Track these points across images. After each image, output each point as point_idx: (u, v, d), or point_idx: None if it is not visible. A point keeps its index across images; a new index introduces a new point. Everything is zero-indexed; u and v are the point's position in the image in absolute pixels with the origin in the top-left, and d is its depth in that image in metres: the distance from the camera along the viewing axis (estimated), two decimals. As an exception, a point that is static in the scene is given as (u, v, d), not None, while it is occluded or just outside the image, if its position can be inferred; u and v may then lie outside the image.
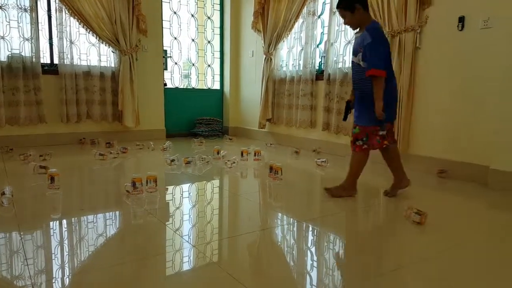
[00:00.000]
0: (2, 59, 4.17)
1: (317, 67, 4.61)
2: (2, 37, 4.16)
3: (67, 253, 1.69)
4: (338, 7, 2.46)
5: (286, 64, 5.03)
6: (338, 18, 4.20)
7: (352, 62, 2.51)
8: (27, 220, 2.07)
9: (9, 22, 4.18)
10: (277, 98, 5.14)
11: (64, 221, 2.10)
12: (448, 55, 3.29)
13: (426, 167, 3.45)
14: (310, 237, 1.99)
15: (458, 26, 3.19)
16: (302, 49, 4.71)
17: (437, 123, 3.39)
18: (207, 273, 1.53)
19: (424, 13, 3.40)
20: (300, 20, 4.69)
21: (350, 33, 4.11)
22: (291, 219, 2.19)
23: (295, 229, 2.07)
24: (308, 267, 1.62)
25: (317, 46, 4.61)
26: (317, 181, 3.36)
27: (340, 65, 4.22)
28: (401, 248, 1.86)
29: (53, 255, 1.65)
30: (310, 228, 2.06)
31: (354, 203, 2.55)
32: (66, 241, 1.83)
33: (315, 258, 1.71)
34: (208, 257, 1.68)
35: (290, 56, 4.95)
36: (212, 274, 1.51)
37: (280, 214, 2.32)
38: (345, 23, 2.48)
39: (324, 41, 4.48)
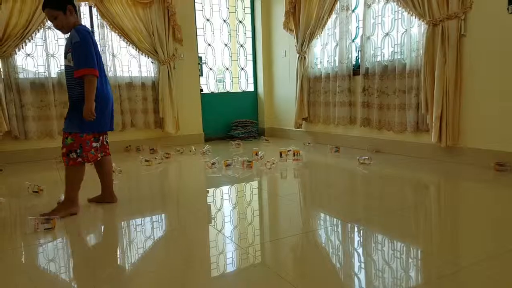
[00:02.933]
0: (53, 76, 4.46)
1: (353, 62, 4.52)
2: (52, 55, 4.44)
3: (119, 255, 1.77)
4: (47, 7, 2.21)
5: (321, 61, 4.97)
6: (374, 11, 4.09)
7: (65, 66, 2.30)
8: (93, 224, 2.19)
9: (57, 41, 4.46)
10: (313, 96, 5.08)
11: (122, 223, 2.20)
12: (498, 40, 3.09)
13: (480, 161, 3.25)
14: (356, 238, 1.94)
15: (508, 8, 2.99)
16: (336, 45, 4.63)
17: (492, 114, 3.19)
18: (255, 273, 1.54)
19: (467, -2, 3.22)
20: (334, 16, 4.61)
21: (388, 25, 3.99)
22: (335, 220, 2.16)
23: (339, 230, 2.03)
24: (356, 269, 1.58)
25: (353, 41, 4.51)
26: (360, 180, 3.28)
27: (378, 58, 4.11)
28: (460, 247, 1.77)
29: (106, 257, 1.74)
30: (356, 229, 2.02)
31: (399, 203, 2.46)
32: (120, 242, 1.92)
33: (362, 259, 1.67)
34: (254, 258, 1.69)
35: (325, 53, 4.88)
36: (260, 274, 1.51)
37: (323, 215, 2.29)
38: (56, 26, 2.27)
39: (359, 35, 4.37)
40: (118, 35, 4.72)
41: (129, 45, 4.83)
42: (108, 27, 4.67)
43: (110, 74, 4.75)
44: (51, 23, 2.60)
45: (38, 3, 4.14)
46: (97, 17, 4.64)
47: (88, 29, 2.38)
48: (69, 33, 2.27)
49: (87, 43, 2.21)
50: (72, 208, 2.31)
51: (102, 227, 2.24)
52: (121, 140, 4.92)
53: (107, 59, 4.72)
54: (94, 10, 4.64)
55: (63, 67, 4.49)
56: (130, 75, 4.95)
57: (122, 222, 2.27)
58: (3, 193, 3.01)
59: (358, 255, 1.72)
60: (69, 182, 2.32)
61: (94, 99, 2.21)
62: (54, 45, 4.45)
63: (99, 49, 2.54)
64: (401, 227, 2.03)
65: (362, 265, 1.60)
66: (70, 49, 2.23)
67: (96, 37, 4.72)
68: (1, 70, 4.15)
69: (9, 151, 4.27)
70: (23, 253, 1.84)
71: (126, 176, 3.49)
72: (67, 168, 2.30)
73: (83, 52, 2.19)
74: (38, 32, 4.28)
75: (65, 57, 2.27)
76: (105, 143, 2.52)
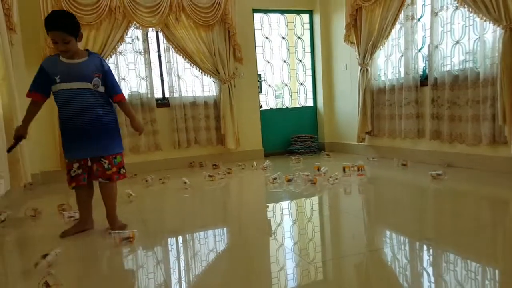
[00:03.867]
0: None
1: (420, 73, 4.29)
2: (123, 78, 4.82)
3: (183, 267, 1.82)
4: (62, 30, 2.17)
5: (385, 73, 4.79)
6: (442, 19, 3.88)
7: (79, 90, 2.22)
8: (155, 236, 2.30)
9: (127, 65, 4.84)
10: (377, 109, 4.90)
11: (187, 235, 2.28)
12: None
13: None
14: (426, 257, 1.80)
15: None
16: (402, 55, 4.44)
17: None
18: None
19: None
20: (398, 26, 4.45)
21: (457, 33, 3.75)
22: (402, 238, 2.02)
23: (407, 248, 1.90)
24: (427, 290, 1.46)
25: (419, 51, 4.30)
26: (432, 196, 3.06)
27: (448, 68, 3.86)
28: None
29: (171, 270, 1.79)
30: (425, 248, 1.87)
31: (475, 221, 2.25)
32: (182, 256, 1.97)
33: (432, 279, 1.53)
34: (316, 275, 1.64)
35: (389, 64, 4.70)
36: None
37: (389, 233, 2.16)
38: (65, 49, 2.20)
39: (426, 44, 4.16)
40: (183, 57, 4.99)
41: (192, 67, 5.07)
42: (173, 50, 4.96)
43: (175, 94, 5.02)
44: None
45: (110, 30, 4.53)
46: (163, 41, 4.95)
47: None
48: (86, 58, 2.28)
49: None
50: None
51: (173, 239, 2.32)
52: (186, 156, 5.13)
53: (173, 80, 5.00)
54: (160, 35, 4.96)
55: (134, 90, 4.84)
56: (194, 95, 5.18)
57: (187, 235, 2.33)
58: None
59: (428, 275, 1.59)
60: (115, 197, 2.44)
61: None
62: (125, 69, 4.82)
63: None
64: (476, 247, 1.84)
65: (432, 286, 1.47)
66: (99, 74, 2.27)
67: (163, 60, 5.03)
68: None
69: (87, 167, 4.65)
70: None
71: (192, 190, 3.61)
72: (114, 186, 2.40)
73: (114, 78, 2.40)
74: (111, 57, 4.66)
75: (85, 81, 2.23)
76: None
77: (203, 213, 2.87)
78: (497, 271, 1.58)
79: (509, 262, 1.70)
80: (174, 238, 2.31)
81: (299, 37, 5.95)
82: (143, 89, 4.88)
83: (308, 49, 6.01)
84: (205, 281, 1.67)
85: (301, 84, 6.05)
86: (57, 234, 2.34)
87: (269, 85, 5.80)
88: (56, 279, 1.57)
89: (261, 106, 5.67)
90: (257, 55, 5.54)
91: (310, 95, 6.10)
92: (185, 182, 3.63)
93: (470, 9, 3.46)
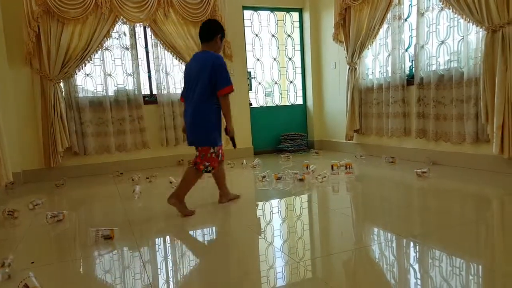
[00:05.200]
0: (110, 94, 4.75)
1: (407, 72, 4.35)
2: (110, 74, 4.75)
3: (171, 268, 1.81)
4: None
5: (372, 72, 4.84)
6: (428, 19, 3.93)
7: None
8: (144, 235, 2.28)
9: (114, 60, 4.76)
10: (365, 107, 4.95)
11: (168, 237, 2.27)
12: None
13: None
14: (412, 254, 1.83)
15: None
16: (389, 54, 4.49)
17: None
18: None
19: (532, 0, 3.00)
20: (385, 25, 4.49)
21: (442, 34, 3.81)
22: (390, 235, 2.05)
23: (394, 245, 1.93)
24: (412, 286, 1.48)
25: (406, 50, 4.36)
26: (417, 193, 3.10)
27: (434, 67, 3.92)
28: None
29: (158, 270, 1.78)
30: (412, 245, 1.90)
31: (460, 218, 2.29)
32: (169, 256, 1.96)
33: (418, 276, 1.56)
34: (305, 272, 1.65)
35: (376, 63, 4.75)
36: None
37: (377, 230, 2.19)
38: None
39: (413, 44, 4.21)
40: (171, 53, 4.94)
41: (181, 63, 5.02)
42: (161, 46, 4.91)
43: (163, 91, 4.97)
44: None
45: (96, 25, 4.46)
46: (151, 37, 4.89)
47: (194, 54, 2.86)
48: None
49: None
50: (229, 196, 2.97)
51: (160, 239, 2.31)
52: (174, 154, 5.08)
53: (160, 77, 4.95)
54: (148, 30, 4.90)
55: (120, 86, 4.78)
56: (183, 92, 5.13)
57: (175, 235, 2.32)
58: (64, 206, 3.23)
59: (415, 271, 1.61)
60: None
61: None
62: (111, 65, 4.75)
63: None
64: (461, 243, 1.88)
65: (419, 282, 1.50)
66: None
67: (150, 56, 4.97)
68: (63, 90, 4.48)
69: (70, 166, 4.57)
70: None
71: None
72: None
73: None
74: (97, 53, 4.59)
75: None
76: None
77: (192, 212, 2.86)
78: (480, 267, 1.61)
79: (490, 256, 1.75)
80: (161, 238, 2.30)
81: (289, 35, 5.96)
82: (130, 85, 4.82)
83: (298, 47, 6.02)
84: (193, 280, 1.66)
85: (291, 82, 6.06)
86: (31, 236, 2.30)
87: (259, 83, 5.80)
88: (35, 282, 1.52)
89: (251, 104, 5.66)
90: (247, 52, 5.52)
91: (300, 93, 6.12)
92: (170, 182, 3.58)
93: (455, 10, 3.51)
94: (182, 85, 2.91)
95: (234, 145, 2.82)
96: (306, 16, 5.86)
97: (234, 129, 2.75)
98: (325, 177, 3.43)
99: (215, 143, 2.69)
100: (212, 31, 2.71)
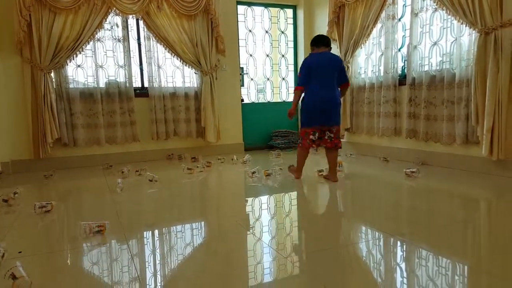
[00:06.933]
0: (101, 86, 4.69)
1: (399, 72, 4.37)
2: (101, 66, 4.69)
3: (158, 262, 1.80)
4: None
5: (365, 71, 4.85)
6: (422, 20, 3.95)
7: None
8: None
9: (105, 52, 4.70)
10: (356, 106, 4.97)
11: (163, 229, 2.25)
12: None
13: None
14: (399, 253, 1.84)
15: None
16: (382, 54, 4.51)
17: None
18: (293, 285, 1.50)
19: (524, 3, 3.03)
20: (379, 25, 4.50)
21: (435, 34, 3.84)
22: (377, 233, 2.06)
23: (381, 243, 1.94)
24: (398, 284, 1.49)
25: (399, 50, 4.38)
26: (406, 193, 3.13)
27: (426, 68, 3.95)
28: (510, 265, 1.62)
29: (146, 263, 1.77)
30: (399, 243, 1.92)
31: (447, 218, 2.32)
32: (157, 249, 1.95)
33: (404, 274, 1.57)
34: (292, 269, 1.65)
35: (369, 62, 4.76)
36: (298, 286, 1.47)
37: (364, 228, 2.20)
38: None
39: (406, 44, 4.24)
40: (163, 46, 4.89)
41: (173, 57, 4.98)
42: (154, 39, 4.86)
43: (155, 84, 4.92)
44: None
45: (88, 16, 4.39)
46: (144, 29, 4.84)
47: (312, 55, 3.42)
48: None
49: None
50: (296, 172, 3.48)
51: (148, 232, 2.29)
52: (164, 148, 5.05)
53: (152, 70, 4.90)
54: (141, 22, 4.84)
55: (112, 78, 4.72)
56: (174, 86, 5.10)
57: (164, 229, 2.31)
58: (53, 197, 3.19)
59: (401, 270, 1.63)
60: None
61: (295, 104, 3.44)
62: (103, 57, 4.69)
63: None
64: (447, 243, 1.90)
65: (405, 281, 1.51)
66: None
67: (143, 49, 4.91)
68: (54, 80, 4.42)
69: (59, 157, 4.51)
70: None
71: (168, 183, 3.57)
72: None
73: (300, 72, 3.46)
74: (88, 44, 4.52)
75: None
76: (326, 137, 3.31)
77: (180, 206, 2.85)
78: (466, 267, 1.63)
79: (476, 256, 1.77)
80: (150, 231, 2.28)
81: (282, 32, 5.94)
82: (121, 77, 4.76)
83: (291, 44, 6.01)
84: (181, 274, 1.65)
85: (283, 79, 6.05)
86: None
87: (251, 79, 5.78)
88: (22, 271, 1.51)
89: (242, 100, 5.64)
90: (240, 48, 5.50)
91: (292, 90, 6.11)
92: (150, 180, 3.46)
93: (448, 11, 3.54)
94: (301, 74, 3.39)
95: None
96: (300, 13, 5.85)
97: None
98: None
99: None
100: (330, 42, 3.47)
